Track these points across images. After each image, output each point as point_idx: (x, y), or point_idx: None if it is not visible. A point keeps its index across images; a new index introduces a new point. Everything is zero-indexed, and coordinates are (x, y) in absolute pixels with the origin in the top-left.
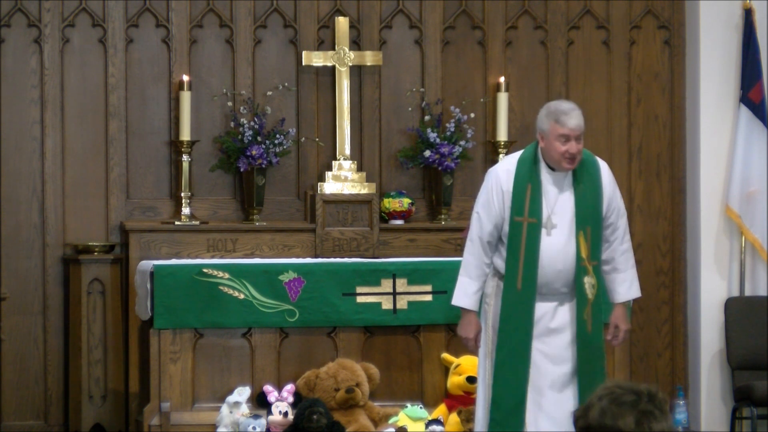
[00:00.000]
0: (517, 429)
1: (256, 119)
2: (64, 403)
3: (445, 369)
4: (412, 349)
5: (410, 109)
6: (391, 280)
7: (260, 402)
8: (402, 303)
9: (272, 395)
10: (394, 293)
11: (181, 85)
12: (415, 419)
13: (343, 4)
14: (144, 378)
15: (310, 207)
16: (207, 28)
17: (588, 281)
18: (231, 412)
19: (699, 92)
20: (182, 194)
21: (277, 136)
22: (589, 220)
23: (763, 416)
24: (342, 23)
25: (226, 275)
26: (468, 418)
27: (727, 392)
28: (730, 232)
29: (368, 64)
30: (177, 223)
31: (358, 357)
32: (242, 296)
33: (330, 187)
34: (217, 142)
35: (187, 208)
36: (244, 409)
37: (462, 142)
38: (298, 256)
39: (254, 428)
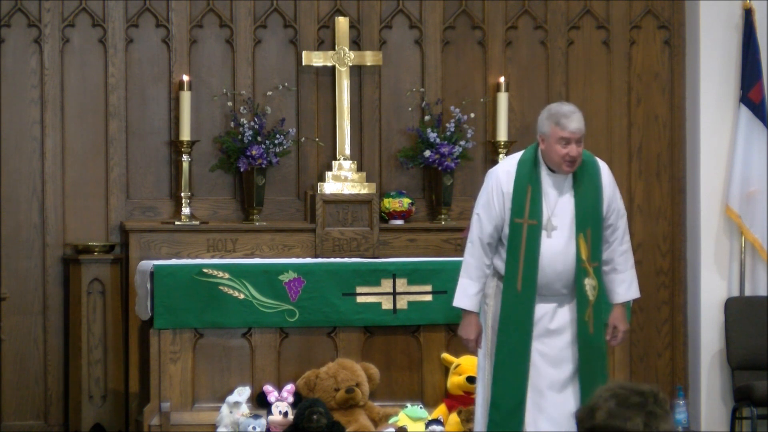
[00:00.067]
0: (517, 430)
1: (256, 119)
2: (64, 403)
3: (445, 369)
4: (412, 349)
5: (410, 109)
6: (391, 280)
7: (260, 402)
8: (402, 303)
9: (272, 395)
10: (394, 293)
11: (181, 85)
12: (415, 419)
13: (343, 4)
14: (144, 378)
15: (310, 207)
16: (207, 28)
17: (589, 283)
18: (231, 412)
19: (699, 92)
20: (182, 194)
21: (277, 136)
22: (590, 222)
23: (763, 416)
24: (342, 23)
25: (226, 275)
26: (468, 418)
27: (727, 392)
28: (730, 232)
29: (368, 64)
30: (177, 223)
31: (358, 357)
32: (242, 296)
33: (330, 187)
34: (217, 142)
35: (187, 208)
36: (244, 409)
37: (462, 142)
38: (298, 256)
39: (254, 428)
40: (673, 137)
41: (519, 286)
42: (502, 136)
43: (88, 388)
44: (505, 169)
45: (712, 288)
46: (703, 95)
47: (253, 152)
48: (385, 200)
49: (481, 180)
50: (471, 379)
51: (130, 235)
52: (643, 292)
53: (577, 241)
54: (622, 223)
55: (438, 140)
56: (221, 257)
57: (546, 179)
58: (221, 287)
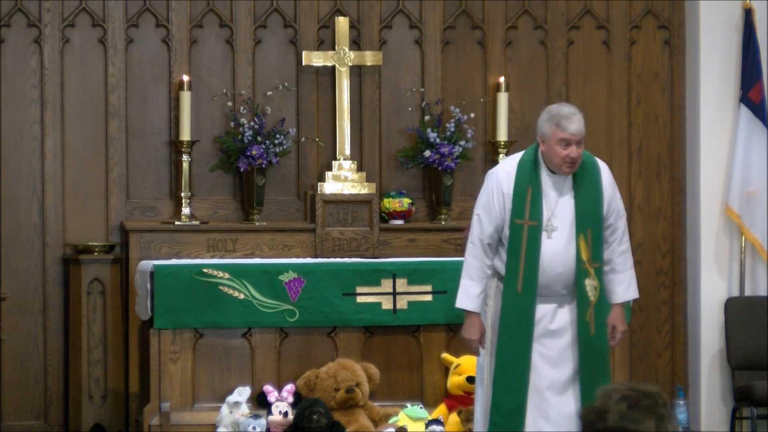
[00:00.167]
0: (517, 431)
1: (256, 119)
2: (64, 403)
3: (445, 369)
4: (412, 349)
5: (410, 109)
6: (391, 280)
7: (260, 402)
8: (402, 303)
9: (272, 395)
10: (394, 293)
11: (181, 85)
12: (415, 419)
13: (343, 4)
14: (144, 378)
15: (310, 207)
16: (207, 28)
17: (589, 283)
18: (231, 412)
19: (699, 92)
20: (182, 194)
21: (277, 136)
22: (590, 223)
23: (763, 416)
24: (342, 23)
25: (226, 275)
26: (468, 418)
27: (727, 392)
28: (730, 232)
29: (368, 64)
30: (177, 223)
31: (358, 357)
32: (242, 296)
33: (330, 187)
34: (217, 142)
35: (187, 208)
36: (244, 409)
37: (462, 142)
38: (298, 256)
39: (254, 428)
40: (673, 137)
41: (519, 287)
42: (502, 136)
43: (88, 388)
44: (505, 169)
45: (712, 288)
46: (703, 95)
47: (253, 152)
48: (385, 200)
49: (481, 180)
50: (471, 379)
51: (130, 235)
52: (643, 292)
53: (577, 242)
54: (622, 224)
55: (438, 140)
56: (221, 257)
57: (546, 180)
58: (221, 287)
